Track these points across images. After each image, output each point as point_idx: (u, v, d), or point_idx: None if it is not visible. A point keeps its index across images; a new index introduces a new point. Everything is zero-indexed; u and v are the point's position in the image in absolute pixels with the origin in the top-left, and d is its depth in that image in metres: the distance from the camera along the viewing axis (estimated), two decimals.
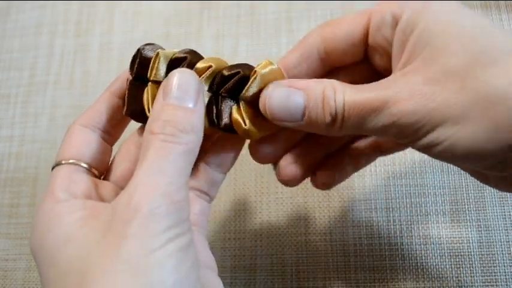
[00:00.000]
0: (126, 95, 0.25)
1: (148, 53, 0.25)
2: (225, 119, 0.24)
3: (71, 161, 0.24)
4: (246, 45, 0.44)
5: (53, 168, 0.24)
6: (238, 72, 0.24)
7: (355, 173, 0.31)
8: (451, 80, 0.20)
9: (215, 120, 0.25)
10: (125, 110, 0.25)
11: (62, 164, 0.24)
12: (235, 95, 0.25)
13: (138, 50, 0.25)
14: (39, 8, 0.49)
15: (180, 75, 0.23)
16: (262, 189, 0.39)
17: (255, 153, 0.27)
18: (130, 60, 0.26)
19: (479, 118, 0.19)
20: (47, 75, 0.46)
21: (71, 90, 0.45)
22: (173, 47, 0.43)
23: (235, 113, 0.24)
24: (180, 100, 0.22)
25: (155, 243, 0.19)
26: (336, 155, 0.28)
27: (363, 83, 0.23)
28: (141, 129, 0.26)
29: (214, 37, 0.45)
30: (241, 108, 0.25)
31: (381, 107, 0.21)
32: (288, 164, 0.27)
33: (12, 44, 0.48)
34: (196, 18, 0.46)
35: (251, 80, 0.24)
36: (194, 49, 0.25)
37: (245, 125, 0.24)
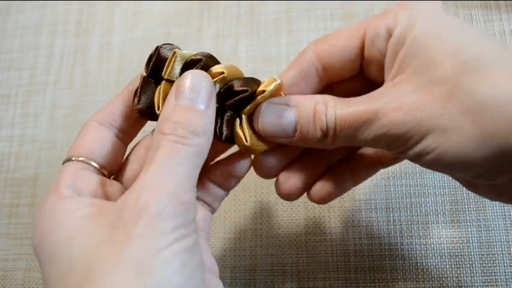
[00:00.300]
0: (138, 91, 0.25)
1: (166, 52, 0.25)
2: (226, 132, 0.25)
3: (80, 158, 0.24)
4: (246, 45, 0.44)
5: (63, 164, 0.24)
6: (246, 90, 0.24)
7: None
8: (438, 90, 0.21)
9: (217, 131, 0.25)
10: (134, 105, 0.25)
11: (72, 160, 0.24)
12: (238, 109, 0.25)
13: (157, 48, 0.25)
14: (39, 8, 0.49)
15: (193, 76, 0.23)
16: (262, 189, 0.39)
17: (258, 168, 0.27)
18: (147, 58, 0.25)
19: (466, 127, 0.20)
20: (47, 75, 0.46)
21: (71, 90, 0.45)
22: None
23: (237, 128, 0.25)
24: (192, 102, 0.22)
25: (161, 243, 0.19)
26: (335, 170, 0.28)
27: (359, 95, 0.24)
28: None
29: (214, 37, 0.45)
30: (243, 123, 0.25)
31: (371, 119, 0.22)
32: (288, 178, 0.27)
33: (12, 44, 0.48)
34: (196, 18, 0.46)
35: (260, 97, 0.24)
36: (198, 50, 0.26)
37: (246, 141, 0.25)
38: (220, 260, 0.38)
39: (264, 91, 0.24)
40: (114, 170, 0.26)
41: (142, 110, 0.24)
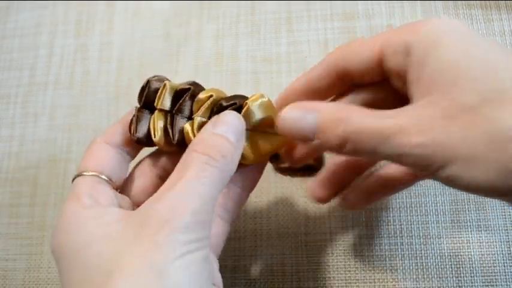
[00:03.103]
0: (134, 121, 0.27)
1: (156, 84, 0.28)
2: None
3: (92, 173, 0.26)
4: (246, 45, 0.44)
5: (73, 180, 0.26)
6: (234, 103, 0.26)
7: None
8: (461, 117, 0.20)
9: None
10: (132, 135, 0.27)
11: (84, 175, 0.26)
12: None
13: (148, 81, 0.28)
14: (39, 8, 0.49)
15: (229, 114, 0.25)
16: (262, 189, 0.39)
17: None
18: (139, 91, 0.28)
19: (490, 157, 0.19)
20: (47, 75, 0.46)
21: (71, 90, 0.45)
22: (173, 47, 0.44)
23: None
24: (227, 133, 0.25)
25: (180, 252, 0.21)
26: (369, 179, 0.29)
27: (385, 101, 0.25)
28: (155, 154, 0.29)
29: (214, 37, 0.45)
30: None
31: (392, 135, 0.21)
32: (317, 186, 0.30)
33: (12, 44, 0.48)
34: (196, 18, 0.46)
35: (242, 112, 0.26)
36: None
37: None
38: (220, 260, 0.37)
39: (246, 103, 0.26)
40: (119, 184, 0.28)
41: (140, 139, 0.27)
